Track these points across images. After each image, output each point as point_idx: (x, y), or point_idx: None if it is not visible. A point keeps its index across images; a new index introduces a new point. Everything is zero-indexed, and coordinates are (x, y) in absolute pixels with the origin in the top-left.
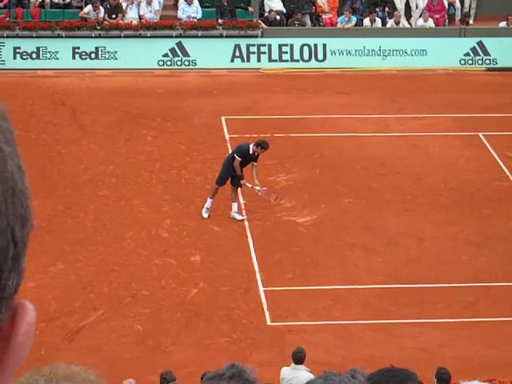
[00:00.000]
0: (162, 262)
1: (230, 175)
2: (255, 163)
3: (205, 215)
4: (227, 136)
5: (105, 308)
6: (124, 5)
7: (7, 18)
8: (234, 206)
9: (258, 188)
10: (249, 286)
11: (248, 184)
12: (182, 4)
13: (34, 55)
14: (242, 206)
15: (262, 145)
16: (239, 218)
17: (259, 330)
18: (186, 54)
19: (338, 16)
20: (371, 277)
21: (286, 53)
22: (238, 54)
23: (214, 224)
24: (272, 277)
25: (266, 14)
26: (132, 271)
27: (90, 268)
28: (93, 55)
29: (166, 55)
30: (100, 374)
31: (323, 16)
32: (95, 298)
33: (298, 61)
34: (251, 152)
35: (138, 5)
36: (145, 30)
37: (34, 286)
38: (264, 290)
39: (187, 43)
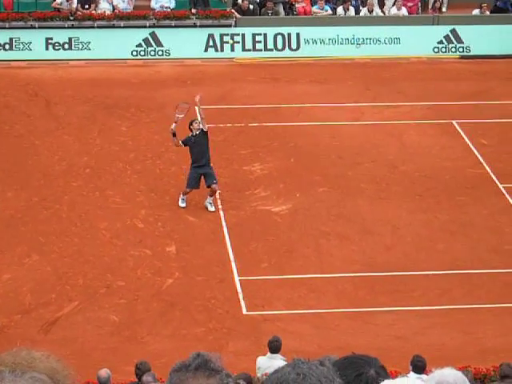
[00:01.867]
0: (137, 253)
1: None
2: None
3: (183, 204)
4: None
5: (80, 299)
6: None
7: None
8: (209, 198)
9: (176, 120)
10: (224, 275)
11: (172, 126)
12: None
13: (6, 46)
14: (217, 196)
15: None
16: (212, 209)
17: (235, 319)
18: (159, 44)
19: (312, 5)
20: (346, 265)
21: (260, 42)
22: (211, 43)
23: (189, 214)
24: (247, 266)
25: (239, 3)
26: (107, 262)
27: (65, 259)
28: (66, 46)
29: (139, 45)
30: (61, 360)
31: (296, 5)
32: (71, 289)
33: (271, 50)
34: (193, 134)
35: None
36: (118, 20)
37: (10, 277)
38: (239, 280)
39: (161, 33)
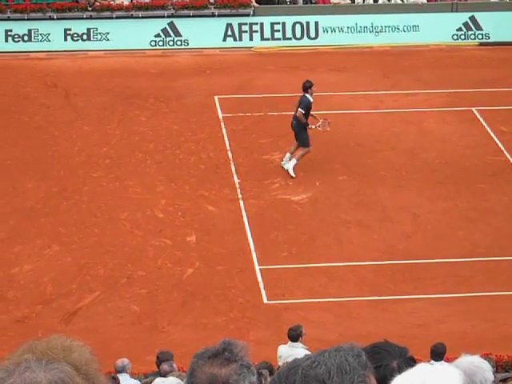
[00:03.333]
0: (157, 243)
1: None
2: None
3: (294, 174)
4: (220, 115)
5: (101, 289)
6: None
7: None
8: (293, 161)
9: (319, 124)
10: (245, 264)
11: (312, 126)
12: None
13: (25, 38)
14: (237, 185)
15: (307, 85)
16: (293, 174)
17: (256, 308)
18: (177, 33)
19: None
20: (367, 253)
21: (278, 31)
22: (230, 33)
23: (208, 203)
24: (268, 255)
25: None
26: (128, 252)
27: (85, 250)
28: (85, 37)
29: (157, 35)
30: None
31: None
32: (91, 280)
33: (290, 39)
34: (311, 100)
35: None
36: (136, 10)
37: (30, 268)
38: (260, 269)
39: (179, 23)
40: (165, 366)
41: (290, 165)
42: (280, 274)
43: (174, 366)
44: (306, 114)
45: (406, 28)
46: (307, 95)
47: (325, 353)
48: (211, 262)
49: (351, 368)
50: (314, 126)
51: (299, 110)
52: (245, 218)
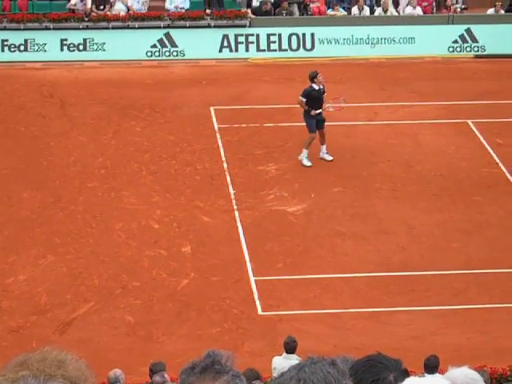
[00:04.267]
0: (152, 253)
1: (314, 120)
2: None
3: (308, 163)
4: (216, 126)
5: (96, 300)
6: None
7: None
8: (323, 148)
9: (328, 105)
10: (239, 275)
11: (323, 107)
12: None
13: (21, 47)
14: (232, 196)
15: (313, 74)
16: (329, 158)
17: (250, 319)
18: (174, 44)
19: (326, 5)
20: (362, 265)
21: (275, 42)
22: (226, 44)
23: (204, 214)
24: (263, 266)
25: (256, 5)
26: (123, 262)
27: (80, 260)
28: (81, 47)
29: (154, 46)
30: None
31: (311, 5)
32: (86, 290)
33: (286, 50)
34: (317, 88)
35: None
36: (133, 21)
37: (25, 278)
38: (255, 280)
39: (175, 34)
40: (156, 378)
41: (301, 156)
42: (275, 285)
43: (166, 376)
44: (311, 102)
45: (401, 40)
46: (313, 85)
47: (303, 368)
48: (206, 272)
49: (335, 379)
50: (321, 110)
51: (299, 97)
52: (240, 229)
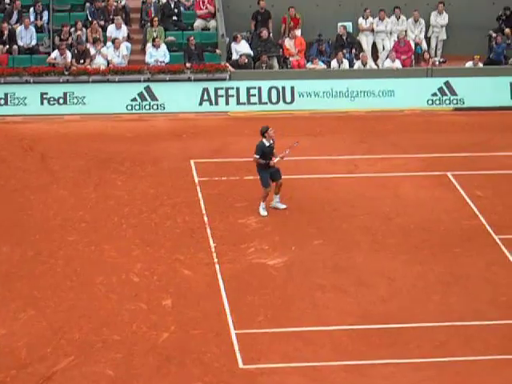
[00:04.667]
0: (132, 307)
1: (268, 175)
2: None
3: (264, 213)
4: (196, 179)
5: (76, 354)
6: (92, 50)
7: None
8: (276, 197)
9: (281, 155)
10: (220, 328)
11: (276, 159)
12: (149, 48)
13: (2, 101)
14: (212, 249)
15: (265, 129)
16: (282, 206)
17: (231, 372)
18: (154, 98)
19: (305, 59)
20: (342, 317)
21: (255, 95)
22: (206, 97)
23: (184, 267)
24: (243, 319)
25: (236, 58)
26: (103, 316)
27: (60, 313)
28: (61, 100)
29: (134, 99)
30: None
31: (290, 59)
32: (66, 344)
33: (266, 103)
34: (267, 144)
35: (106, 49)
36: (113, 74)
37: (5, 332)
38: (236, 333)
39: (155, 87)
40: None
41: (259, 207)
42: (256, 338)
43: None
44: (264, 157)
45: (381, 93)
46: (264, 140)
47: None
48: (187, 326)
49: None
50: (279, 157)
51: (254, 155)
52: (220, 282)
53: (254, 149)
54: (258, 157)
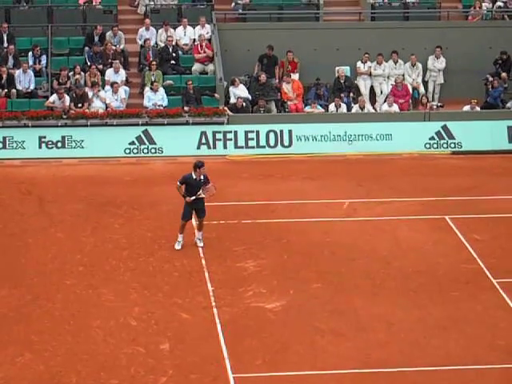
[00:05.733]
0: (130, 351)
1: (191, 209)
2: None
3: (178, 247)
4: (194, 223)
5: None
6: (90, 93)
7: None
8: (199, 234)
9: (199, 192)
10: (218, 373)
11: (196, 195)
12: (147, 92)
13: (0, 145)
14: (210, 293)
15: (198, 164)
16: (200, 244)
17: None
18: (152, 141)
19: (303, 102)
20: (341, 362)
21: (252, 139)
22: (204, 141)
23: (182, 311)
24: (241, 363)
25: (234, 101)
26: (100, 360)
27: (58, 358)
28: (59, 144)
29: (132, 143)
30: None
31: (288, 102)
32: None
33: (264, 147)
34: (195, 177)
35: (104, 93)
36: (111, 118)
37: (2, 376)
38: (234, 377)
39: (153, 131)
40: None
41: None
42: (254, 383)
43: None
44: (189, 190)
45: (379, 137)
46: (193, 173)
47: None
48: (185, 370)
49: None
50: (194, 197)
51: (177, 182)
52: (218, 326)
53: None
54: (179, 184)
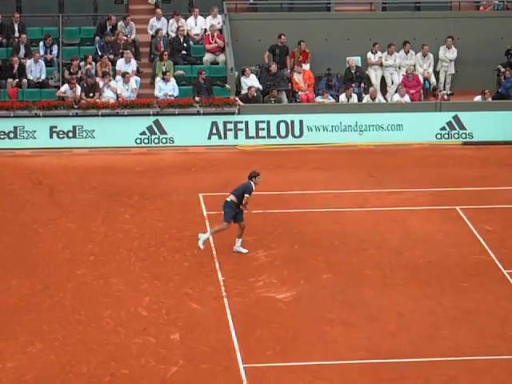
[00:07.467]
0: (141, 341)
1: (234, 212)
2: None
3: (202, 246)
4: (205, 213)
5: None
6: (101, 83)
7: None
8: (238, 241)
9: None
10: (229, 363)
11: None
12: (158, 82)
13: (11, 135)
14: (221, 283)
15: (253, 175)
16: (244, 251)
17: None
18: (163, 131)
19: (314, 93)
20: (351, 352)
21: (263, 129)
22: (215, 131)
23: (193, 301)
24: (252, 353)
25: (246, 92)
26: (111, 350)
27: (68, 347)
28: (70, 134)
29: (143, 133)
30: None
31: (299, 92)
32: (74, 378)
33: (274, 137)
34: (254, 188)
35: (115, 83)
36: (122, 108)
37: (13, 366)
38: (244, 367)
39: (164, 121)
40: None
41: (204, 236)
42: (264, 373)
43: None
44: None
45: (390, 127)
46: (252, 184)
47: None
48: (195, 360)
49: None
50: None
51: (246, 195)
52: (229, 316)
53: (245, 189)
54: (249, 196)
